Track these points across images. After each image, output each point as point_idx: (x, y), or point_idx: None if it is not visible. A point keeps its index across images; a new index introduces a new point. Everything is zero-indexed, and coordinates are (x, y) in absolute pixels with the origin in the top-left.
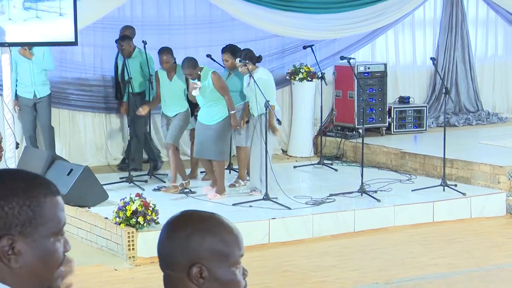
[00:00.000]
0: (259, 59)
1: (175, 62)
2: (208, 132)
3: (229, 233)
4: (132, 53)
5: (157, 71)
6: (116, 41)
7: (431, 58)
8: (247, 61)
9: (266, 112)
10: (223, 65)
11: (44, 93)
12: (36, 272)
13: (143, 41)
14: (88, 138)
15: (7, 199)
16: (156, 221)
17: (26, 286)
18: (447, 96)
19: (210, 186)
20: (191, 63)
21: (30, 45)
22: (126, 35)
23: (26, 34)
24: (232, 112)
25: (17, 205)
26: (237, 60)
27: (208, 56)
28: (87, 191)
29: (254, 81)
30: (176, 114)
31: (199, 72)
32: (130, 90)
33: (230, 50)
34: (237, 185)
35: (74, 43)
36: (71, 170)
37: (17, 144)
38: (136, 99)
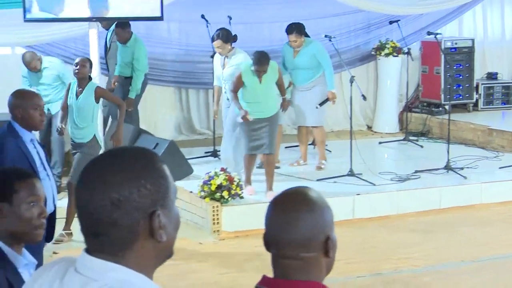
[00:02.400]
0: (234, 38)
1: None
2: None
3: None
4: (128, 41)
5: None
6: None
7: None
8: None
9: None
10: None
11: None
12: (171, 241)
13: (228, 16)
14: (172, 113)
15: (146, 177)
16: (241, 195)
17: (158, 261)
18: None
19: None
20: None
21: (118, 19)
22: (125, 22)
23: (114, 10)
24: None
25: (155, 179)
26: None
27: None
28: (173, 165)
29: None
30: None
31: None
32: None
33: (296, 29)
34: (322, 166)
35: (160, 18)
36: (157, 144)
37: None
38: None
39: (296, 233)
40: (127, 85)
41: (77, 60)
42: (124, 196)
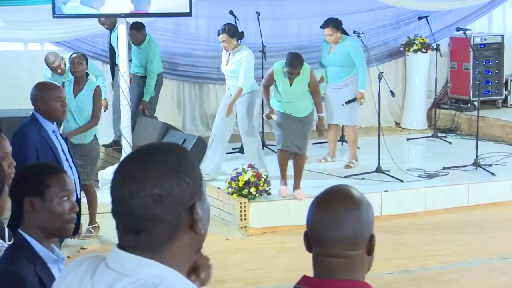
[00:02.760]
0: (241, 35)
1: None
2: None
3: None
4: (142, 43)
5: None
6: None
7: None
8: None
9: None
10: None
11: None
12: (205, 234)
13: (256, 12)
14: (200, 108)
15: (184, 171)
16: (268, 191)
17: (192, 255)
18: None
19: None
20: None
21: (147, 16)
22: (140, 23)
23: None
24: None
25: (191, 172)
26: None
27: (322, 27)
28: (200, 161)
29: None
30: None
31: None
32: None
33: (332, 23)
34: (352, 165)
35: (189, 14)
36: (185, 140)
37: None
38: (139, 83)
39: (343, 231)
40: (142, 86)
41: (73, 56)
42: (166, 191)
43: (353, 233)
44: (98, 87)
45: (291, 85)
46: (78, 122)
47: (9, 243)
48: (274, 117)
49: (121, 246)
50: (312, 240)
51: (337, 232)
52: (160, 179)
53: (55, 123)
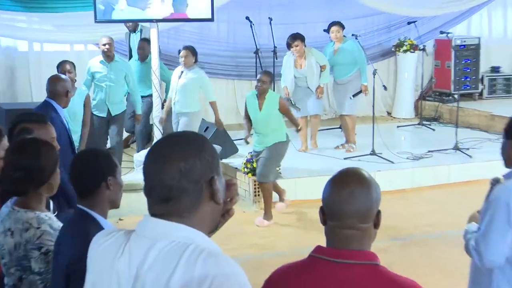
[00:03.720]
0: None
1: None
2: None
3: None
4: (146, 58)
5: None
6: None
7: None
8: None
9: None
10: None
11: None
12: (222, 205)
13: (269, 18)
14: (221, 101)
15: (205, 150)
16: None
17: (212, 224)
18: None
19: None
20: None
21: (176, 21)
22: (147, 39)
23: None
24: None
25: (211, 151)
26: None
27: (325, 31)
28: (221, 145)
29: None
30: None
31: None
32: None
33: (339, 23)
34: (352, 150)
35: (211, 19)
36: (207, 127)
37: (162, 104)
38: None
39: (357, 206)
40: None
41: (65, 63)
42: (190, 165)
43: (365, 208)
44: (88, 95)
45: (260, 110)
46: (70, 127)
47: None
48: (250, 140)
49: (152, 214)
50: (328, 214)
51: (352, 207)
52: (185, 156)
53: None
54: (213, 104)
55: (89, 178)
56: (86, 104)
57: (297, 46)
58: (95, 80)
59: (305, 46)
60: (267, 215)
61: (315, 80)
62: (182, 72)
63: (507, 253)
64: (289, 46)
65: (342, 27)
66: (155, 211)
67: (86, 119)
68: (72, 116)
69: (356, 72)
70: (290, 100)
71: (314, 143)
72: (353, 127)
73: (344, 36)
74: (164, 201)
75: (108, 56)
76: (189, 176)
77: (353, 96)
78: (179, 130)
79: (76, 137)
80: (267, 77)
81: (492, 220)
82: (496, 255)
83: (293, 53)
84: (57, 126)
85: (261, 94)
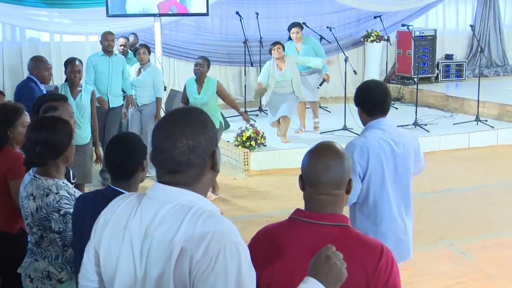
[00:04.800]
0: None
1: None
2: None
3: None
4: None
5: None
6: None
7: (470, 25)
8: None
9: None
10: (316, 31)
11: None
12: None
13: (256, 12)
14: None
15: (208, 127)
16: (264, 144)
17: (209, 188)
18: (481, 53)
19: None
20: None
21: (175, 16)
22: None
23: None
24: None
25: (212, 128)
26: None
27: (303, 23)
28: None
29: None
30: None
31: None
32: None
33: (299, 24)
34: (318, 125)
35: (206, 14)
36: None
37: (165, 87)
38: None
39: (333, 175)
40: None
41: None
42: (197, 143)
43: (339, 177)
44: (93, 90)
45: (199, 93)
46: (79, 123)
47: (73, 182)
48: None
49: (161, 182)
50: (306, 182)
51: (327, 176)
52: (193, 134)
53: None
54: (158, 101)
55: (129, 163)
56: (93, 99)
57: (298, 33)
58: (96, 73)
59: (284, 50)
60: (214, 189)
61: (298, 82)
62: (139, 69)
63: (358, 194)
64: (270, 51)
65: (301, 27)
66: (163, 181)
67: (94, 112)
68: (82, 112)
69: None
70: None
71: (285, 140)
72: (317, 109)
73: (302, 34)
74: (173, 172)
75: (109, 51)
76: (196, 152)
77: (320, 85)
78: (143, 120)
79: (86, 132)
80: (204, 61)
81: None
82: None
83: (274, 57)
84: None
85: (199, 78)
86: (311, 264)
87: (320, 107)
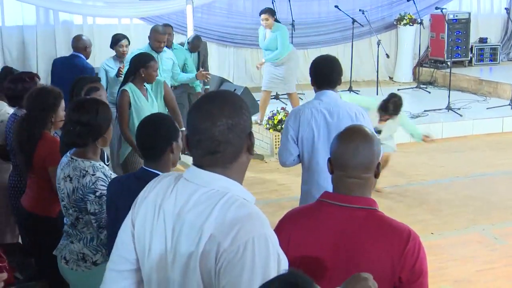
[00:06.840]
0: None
1: None
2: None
3: None
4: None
5: None
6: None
7: (505, 8)
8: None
9: None
10: (348, 14)
11: None
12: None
13: None
14: (247, 66)
15: (245, 108)
16: None
17: (245, 172)
18: None
19: None
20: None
21: None
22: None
23: None
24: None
25: (248, 109)
26: None
27: (336, 6)
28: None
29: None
30: None
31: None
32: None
33: (269, 11)
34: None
35: None
36: (235, 89)
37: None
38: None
39: (362, 158)
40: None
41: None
42: (236, 122)
43: (368, 161)
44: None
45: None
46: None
47: (108, 163)
48: None
49: (198, 165)
50: (335, 165)
51: (356, 159)
52: (231, 114)
53: None
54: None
55: (158, 144)
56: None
57: (267, 19)
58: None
59: (274, 20)
60: None
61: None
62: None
63: (294, 158)
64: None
65: (271, 14)
66: (200, 163)
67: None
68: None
69: (288, 56)
70: None
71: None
72: (298, 101)
73: (275, 21)
74: (212, 153)
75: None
76: (235, 131)
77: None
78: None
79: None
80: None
81: (284, 131)
82: (283, 157)
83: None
84: None
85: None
86: (350, 278)
87: (352, 90)
